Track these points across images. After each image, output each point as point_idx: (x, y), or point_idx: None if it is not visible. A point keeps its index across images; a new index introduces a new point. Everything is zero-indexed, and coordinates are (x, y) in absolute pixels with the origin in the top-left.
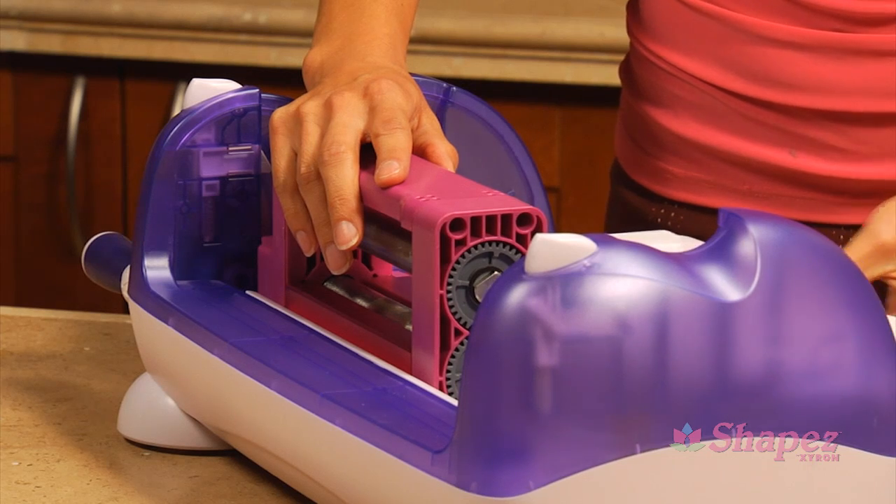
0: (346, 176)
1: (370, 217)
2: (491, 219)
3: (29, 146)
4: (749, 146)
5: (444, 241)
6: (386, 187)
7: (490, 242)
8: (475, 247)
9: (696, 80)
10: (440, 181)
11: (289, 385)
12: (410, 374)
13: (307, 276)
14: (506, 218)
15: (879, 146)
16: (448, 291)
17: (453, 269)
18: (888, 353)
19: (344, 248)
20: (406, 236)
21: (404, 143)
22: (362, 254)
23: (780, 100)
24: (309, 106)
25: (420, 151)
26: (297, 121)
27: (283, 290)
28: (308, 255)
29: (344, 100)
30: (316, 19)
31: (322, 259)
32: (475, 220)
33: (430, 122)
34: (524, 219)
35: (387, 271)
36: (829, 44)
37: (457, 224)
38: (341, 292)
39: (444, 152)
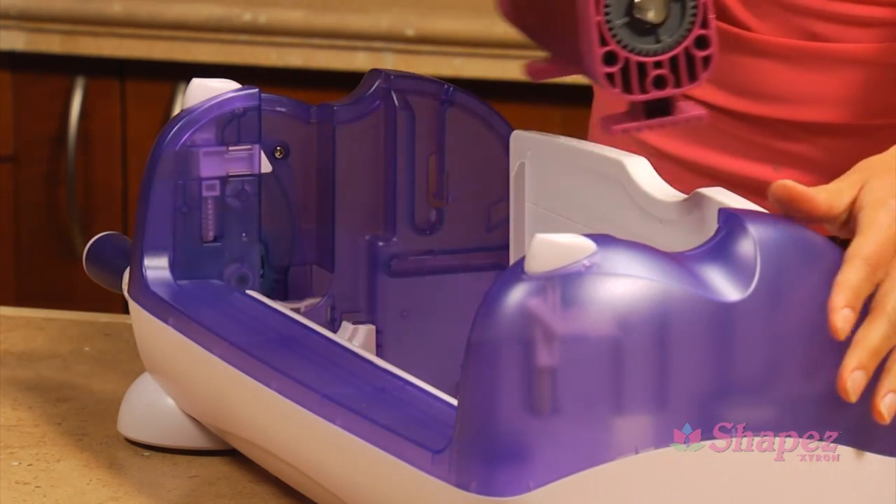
0: None
1: None
2: None
3: (29, 146)
4: (731, 161)
5: None
6: None
7: None
8: None
9: None
10: None
11: (289, 385)
12: None
13: None
14: None
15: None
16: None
17: None
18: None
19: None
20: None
21: None
22: None
23: (757, 112)
24: None
25: None
26: None
27: None
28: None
29: None
30: None
31: None
32: None
33: None
34: None
35: None
36: (803, 52)
37: None
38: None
39: None
